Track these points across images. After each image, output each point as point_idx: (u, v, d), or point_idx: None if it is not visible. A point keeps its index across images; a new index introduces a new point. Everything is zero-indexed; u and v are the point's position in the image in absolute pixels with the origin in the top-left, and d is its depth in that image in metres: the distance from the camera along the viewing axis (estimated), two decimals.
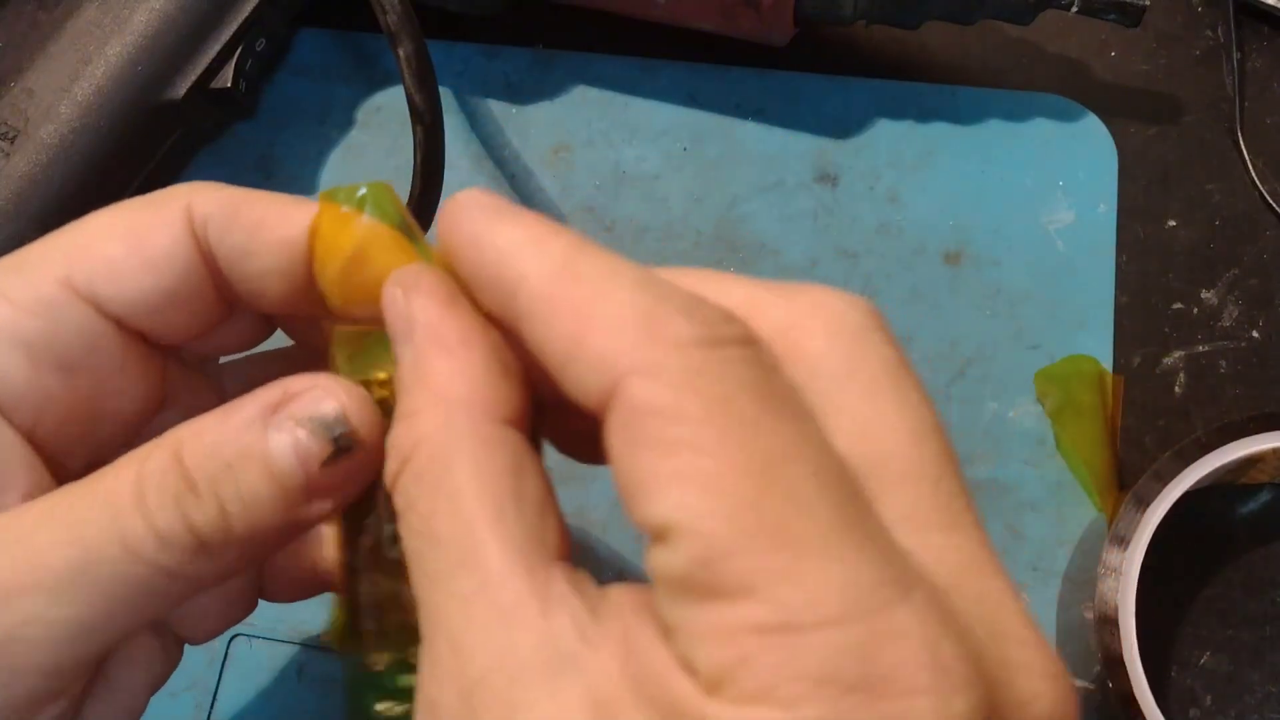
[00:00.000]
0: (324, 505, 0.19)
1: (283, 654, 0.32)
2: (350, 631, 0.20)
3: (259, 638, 0.32)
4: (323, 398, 0.18)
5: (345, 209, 0.20)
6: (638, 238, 0.36)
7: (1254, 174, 0.35)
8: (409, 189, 0.30)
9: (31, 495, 0.19)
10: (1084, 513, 0.32)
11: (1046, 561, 0.32)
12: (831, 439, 0.15)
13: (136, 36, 0.34)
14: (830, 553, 0.14)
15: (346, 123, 0.38)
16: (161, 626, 0.23)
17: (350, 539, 0.20)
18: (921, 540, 0.15)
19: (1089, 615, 0.29)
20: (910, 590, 0.14)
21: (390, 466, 0.17)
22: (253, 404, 0.18)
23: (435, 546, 0.16)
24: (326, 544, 0.24)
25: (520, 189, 0.37)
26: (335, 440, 0.18)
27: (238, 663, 0.32)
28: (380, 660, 0.20)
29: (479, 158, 0.37)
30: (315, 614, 0.32)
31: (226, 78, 0.35)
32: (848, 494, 0.15)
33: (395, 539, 0.18)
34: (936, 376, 0.34)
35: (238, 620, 0.24)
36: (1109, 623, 0.28)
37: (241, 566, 0.19)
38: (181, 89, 0.34)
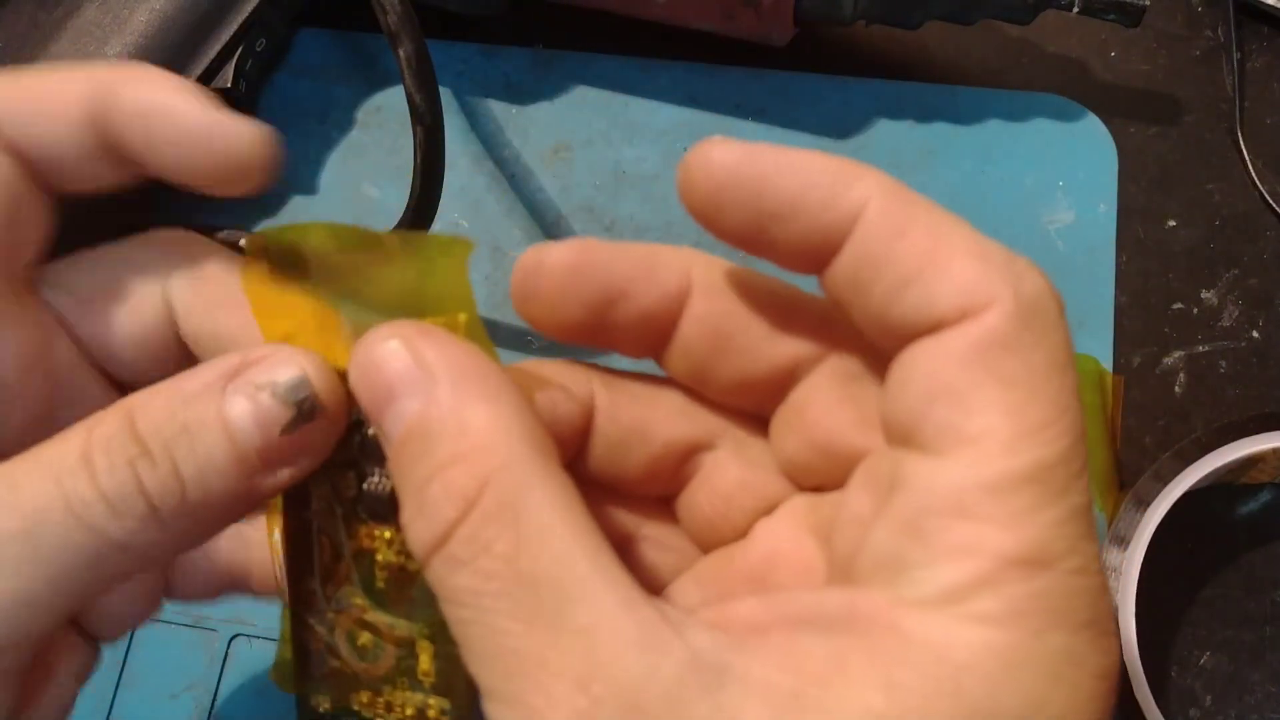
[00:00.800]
0: (280, 476, 0.18)
1: None
2: (299, 672, 0.20)
3: (259, 638, 0.32)
4: (283, 362, 0.18)
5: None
6: (637, 238, 0.36)
7: (1254, 174, 0.35)
8: (409, 189, 0.30)
9: None
10: None
11: None
12: None
13: (136, 36, 0.34)
14: (1077, 522, 0.15)
15: (346, 123, 0.38)
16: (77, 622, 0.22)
17: (299, 561, 0.19)
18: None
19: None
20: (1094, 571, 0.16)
21: (444, 514, 0.16)
22: (210, 370, 0.18)
23: (528, 587, 0.15)
24: (247, 546, 0.23)
25: (520, 189, 0.37)
26: (297, 404, 0.18)
27: (238, 663, 0.32)
28: (323, 703, 0.20)
29: (479, 158, 0.37)
30: None
31: (226, 78, 0.35)
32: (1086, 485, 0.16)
33: (363, 560, 0.18)
34: None
35: (145, 618, 0.23)
36: None
37: (189, 543, 0.19)
38: None
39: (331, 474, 0.19)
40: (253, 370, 0.18)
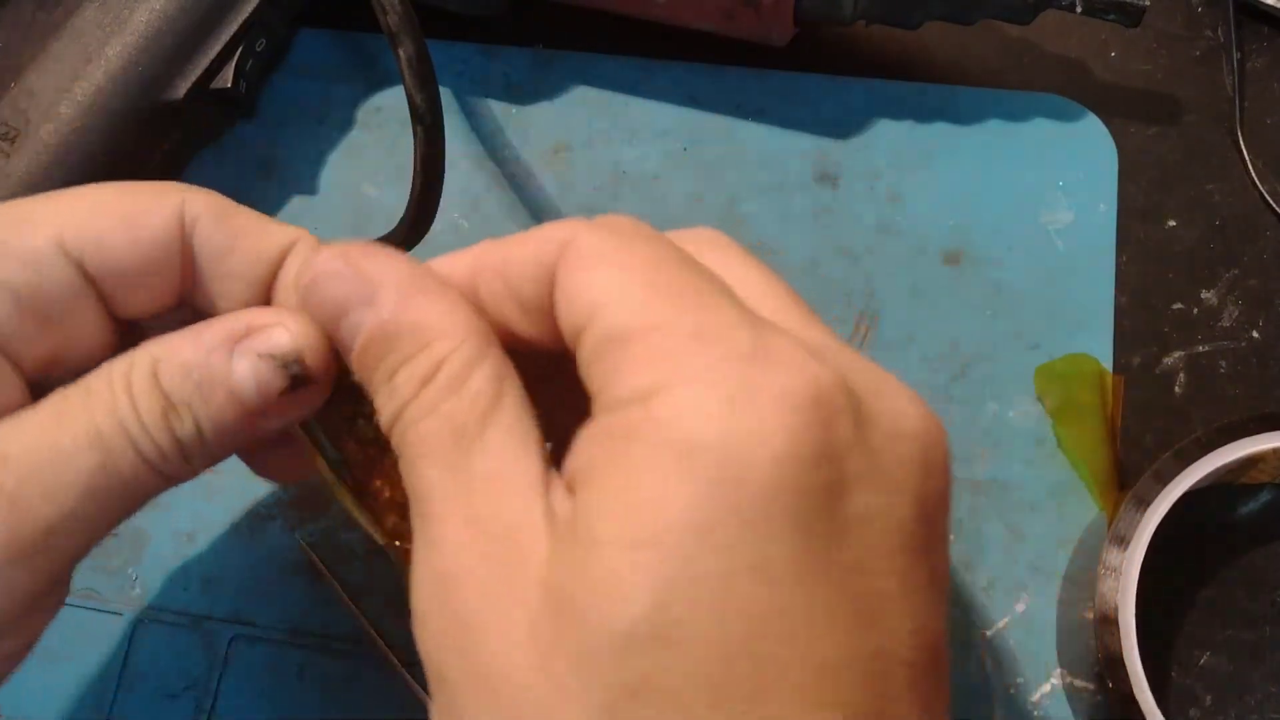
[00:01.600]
0: (276, 422, 0.22)
1: (283, 654, 0.32)
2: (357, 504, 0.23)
3: (259, 638, 0.32)
4: (282, 334, 0.21)
5: None
6: None
7: (1254, 174, 0.35)
8: (409, 189, 0.30)
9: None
10: (1084, 513, 0.32)
11: (1046, 561, 0.32)
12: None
13: (136, 36, 0.34)
14: (723, 304, 0.18)
15: (346, 123, 0.38)
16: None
17: (334, 437, 0.23)
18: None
19: (1089, 615, 0.29)
20: (772, 321, 0.19)
21: (406, 392, 0.19)
22: (220, 329, 0.21)
23: (456, 439, 0.19)
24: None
25: (520, 189, 0.37)
26: (292, 375, 0.21)
27: (238, 663, 0.32)
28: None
29: (479, 158, 0.37)
30: (315, 614, 0.33)
31: (226, 78, 0.35)
32: (717, 278, 0.20)
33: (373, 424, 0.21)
34: (936, 376, 0.34)
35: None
36: (1109, 623, 0.28)
37: (205, 466, 0.22)
38: (181, 89, 0.34)
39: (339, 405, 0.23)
40: (256, 339, 0.21)
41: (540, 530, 0.18)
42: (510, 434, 0.19)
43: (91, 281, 0.22)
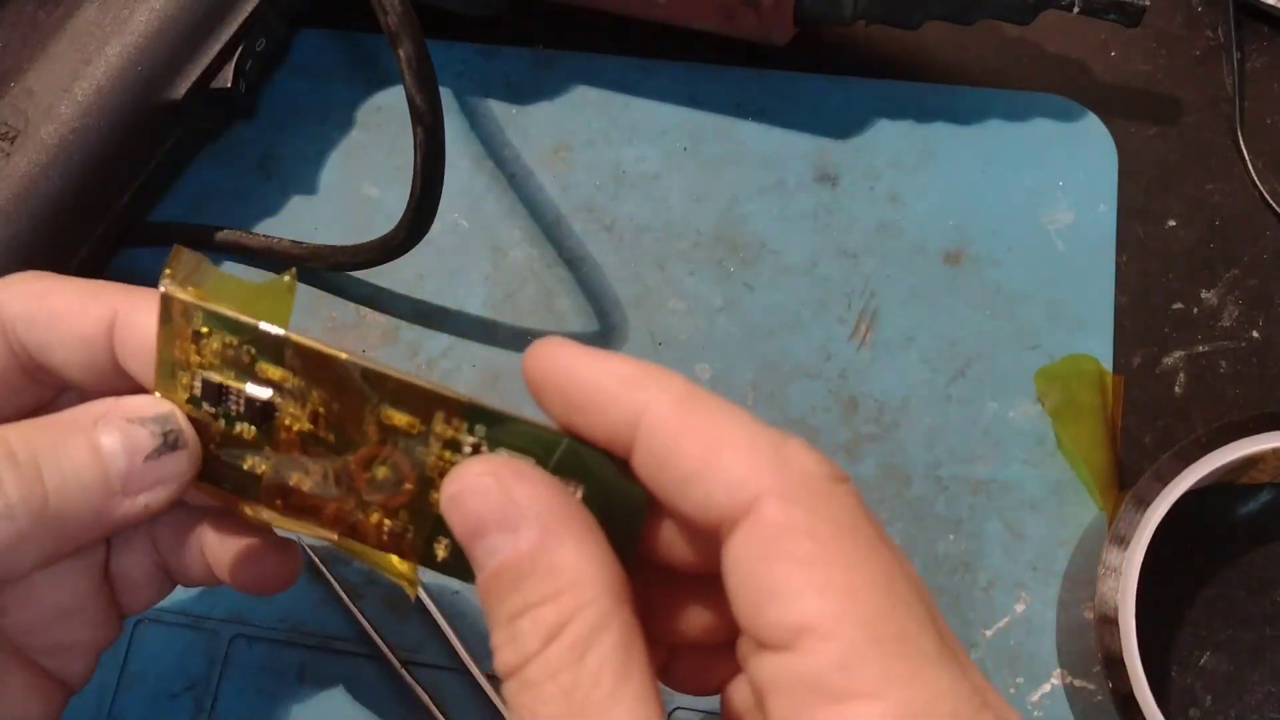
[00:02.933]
0: (138, 504, 0.20)
1: (283, 654, 0.32)
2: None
3: (259, 638, 0.32)
4: (152, 402, 0.20)
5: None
6: (638, 238, 0.36)
7: (1254, 174, 0.35)
8: (409, 189, 0.30)
9: None
10: (1084, 513, 0.32)
11: (1046, 561, 0.32)
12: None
13: (136, 36, 0.34)
14: (941, 664, 0.16)
15: (346, 123, 0.38)
16: (33, 667, 0.23)
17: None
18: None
19: (1089, 615, 0.29)
20: (987, 702, 0.16)
21: (530, 646, 0.18)
22: (85, 409, 0.20)
23: (575, 716, 0.17)
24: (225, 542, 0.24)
25: (520, 189, 0.37)
26: (164, 434, 0.20)
27: (238, 663, 0.32)
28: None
29: (479, 158, 0.37)
30: (315, 614, 0.32)
31: (226, 78, 0.35)
32: (935, 614, 0.17)
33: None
34: (936, 376, 0.34)
35: (106, 645, 0.24)
36: (1109, 623, 0.28)
37: (51, 549, 0.20)
38: (181, 89, 0.34)
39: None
40: (125, 406, 0.20)
41: None
42: (631, 716, 0.17)
43: None
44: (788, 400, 0.34)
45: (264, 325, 0.20)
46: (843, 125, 0.37)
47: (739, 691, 0.21)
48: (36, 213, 0.33)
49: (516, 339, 0.35)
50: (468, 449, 0.20)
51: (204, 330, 0.20)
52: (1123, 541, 0.29)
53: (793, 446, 0.18)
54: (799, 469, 0.18)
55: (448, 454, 0.20)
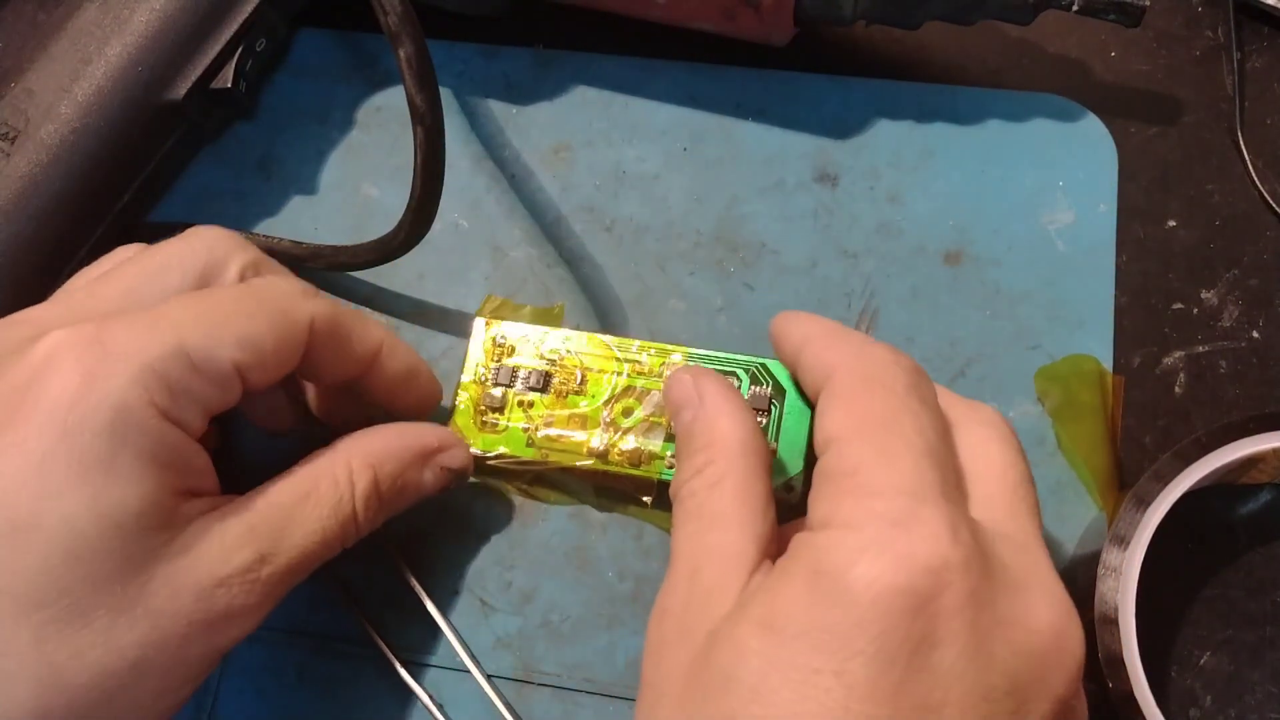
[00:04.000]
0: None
1: (283, 654, 0.32)
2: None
3: (259, 638, 0.32)
4: (461, 453, 0.31)
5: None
6: (638, 238, 0.36)
7: (1254, 174, 0.35)
8: (409, 189, 0.30)
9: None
10: (1084, 513, 0.32)
11: None
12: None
13: (136, 36, 0.34)
14: (910, 470, 0.23)
15: (346, 123, 0.38)
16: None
17: None
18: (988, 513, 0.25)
19: (1089, 615, 0.29)
20: (949, 499, 0.23)
21: (687, 473, 0.26)
22: (416, 445, 0.29)
23: (705, 519, 0.25)
24: None
25: (520, 189, 0.37)
26: (459, 478, 0.31)
27: (238, 663, 0.32)
28: None
29: (479, 158, 0.37)
30: (314, 614, 0.33)
31: (226, 78, 0.35)
32: (933, 449, 0.24)
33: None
34: (936, 376, 0.34)
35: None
36: (1109, 623, 0.28)
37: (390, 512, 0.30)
38: (181, 89, 0.34)
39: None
40: (444, 456, 0.30)
41: (729, 597, 0.23)
42: (740, 528, 0.25)
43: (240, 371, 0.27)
44: None
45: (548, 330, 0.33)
46: (843, 125, 0.37)
47: None
48: (36, 213, 0.33)
49: None
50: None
51: (503, 339, 0.33)
52: (1123, 541, 0.29)
53: (871, 344, 0.26)
54: (869, 355, 0.26)
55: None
